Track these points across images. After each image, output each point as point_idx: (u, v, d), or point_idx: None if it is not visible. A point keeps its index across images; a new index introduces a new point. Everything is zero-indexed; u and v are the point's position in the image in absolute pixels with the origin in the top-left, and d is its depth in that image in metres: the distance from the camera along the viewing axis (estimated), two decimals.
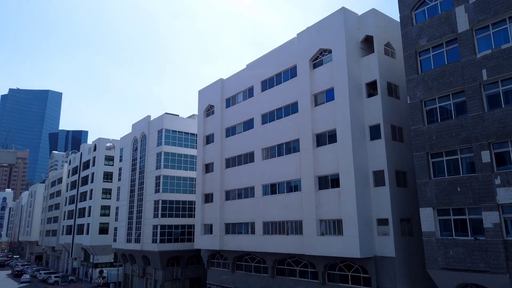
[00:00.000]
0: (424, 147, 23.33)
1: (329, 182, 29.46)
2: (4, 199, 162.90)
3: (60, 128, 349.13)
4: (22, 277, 75.20)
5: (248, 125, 39.33)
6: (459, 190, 21.44)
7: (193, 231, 52.44)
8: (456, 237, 21.51)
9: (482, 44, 21.81)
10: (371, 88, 29.45)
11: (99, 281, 63.31)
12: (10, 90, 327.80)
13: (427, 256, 22.46)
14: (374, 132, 28.36)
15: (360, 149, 28.16)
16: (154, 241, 51.02)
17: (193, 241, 51.12)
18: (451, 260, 21.32)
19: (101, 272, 63.31)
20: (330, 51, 30.93)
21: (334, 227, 28.47)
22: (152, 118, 58.39)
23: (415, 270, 26.93)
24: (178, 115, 57.28)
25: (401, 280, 25.78)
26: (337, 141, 28.85)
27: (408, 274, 26.38)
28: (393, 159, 27.84)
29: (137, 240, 55.29)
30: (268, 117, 36.83)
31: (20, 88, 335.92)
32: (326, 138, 30.25)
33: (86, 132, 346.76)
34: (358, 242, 26.15)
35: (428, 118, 23.69)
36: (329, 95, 30.49)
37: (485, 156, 20.66)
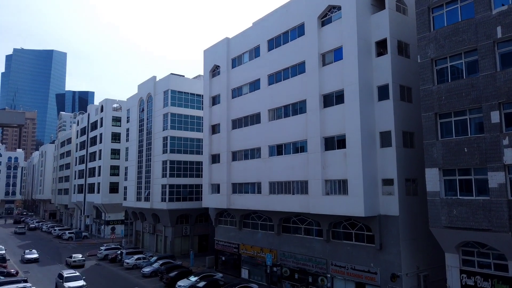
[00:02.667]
0: (432, 108, 23.05)
1: (335, 143, 29.51)
2: (16, 159, 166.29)
3: (67, 89, 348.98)
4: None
5: (255, 86, 38.92)
6: (466, 150, 21.41)
7: (201, 190, 53.63)
8: (460, 197, 21.76)
9: (498, 0, 20.87)
10: (381, 47, 28.67)
11: (112, 237, 65.83)
12: (15, 50, 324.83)
13: (431, 215, 22.87)
14: (383, 93, 27.97)
15: (367, 109, 27.90)
16: (163, 199, 52.37)
17: (201, 200, 52.39)
18: (455, 219, 21.70)
19: (113, 229, 65.66)
20: (339, 8, 29.87)
21: (339, 187, 28.87)
22: (157, 79, 57.97)
23: (418, 229, 27.53)
24: (183, 76, 56.74)
25: (404, 237, 26.44)
26: (345, 101, 28.56)
27: (411, 232, 27.01)
28: (401, 119, 27.63)
29: (147, 199, 56.80)
30: (274, 78, 36.33)
31: (24, 48, 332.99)
32: (333, 98, 29.93)
33: (92, 93, 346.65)
34: (363, 201, 26.60)
35: (438, 77, 23.20)
36: (338, 54, 29.81)
37: (495, 117, 20.41)
